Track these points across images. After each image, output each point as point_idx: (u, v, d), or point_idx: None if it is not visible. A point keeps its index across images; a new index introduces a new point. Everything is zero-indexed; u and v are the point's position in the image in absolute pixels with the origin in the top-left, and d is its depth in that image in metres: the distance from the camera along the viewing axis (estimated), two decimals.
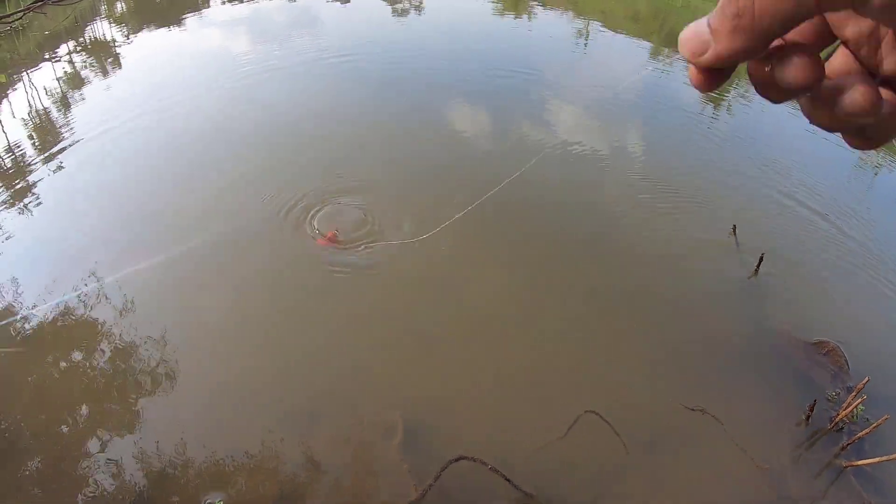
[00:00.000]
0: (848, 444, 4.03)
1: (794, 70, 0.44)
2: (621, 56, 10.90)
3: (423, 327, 4.32)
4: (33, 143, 6.71)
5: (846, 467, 3.94)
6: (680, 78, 9.08)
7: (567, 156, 6.56)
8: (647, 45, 11.72)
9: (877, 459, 3.82)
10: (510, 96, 8.07)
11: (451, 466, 3.19)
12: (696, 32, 0.45)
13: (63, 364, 3.95)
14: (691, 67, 0.48)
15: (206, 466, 3.29)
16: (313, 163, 6.09)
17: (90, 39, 10.49)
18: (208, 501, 3.08)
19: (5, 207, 5.42)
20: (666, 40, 11.76)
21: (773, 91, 0.46)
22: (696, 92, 8.45)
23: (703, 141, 7.39)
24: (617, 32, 12.12)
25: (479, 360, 4.12)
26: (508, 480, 3.11)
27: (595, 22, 12.48)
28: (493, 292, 4.71)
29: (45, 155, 6.29)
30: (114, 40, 10.44)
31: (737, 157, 7.05)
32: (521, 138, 7.07)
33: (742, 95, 8.95)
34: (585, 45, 11.22)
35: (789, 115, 7.96)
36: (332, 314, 4.36)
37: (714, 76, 0.48)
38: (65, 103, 7.85)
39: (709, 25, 0.44)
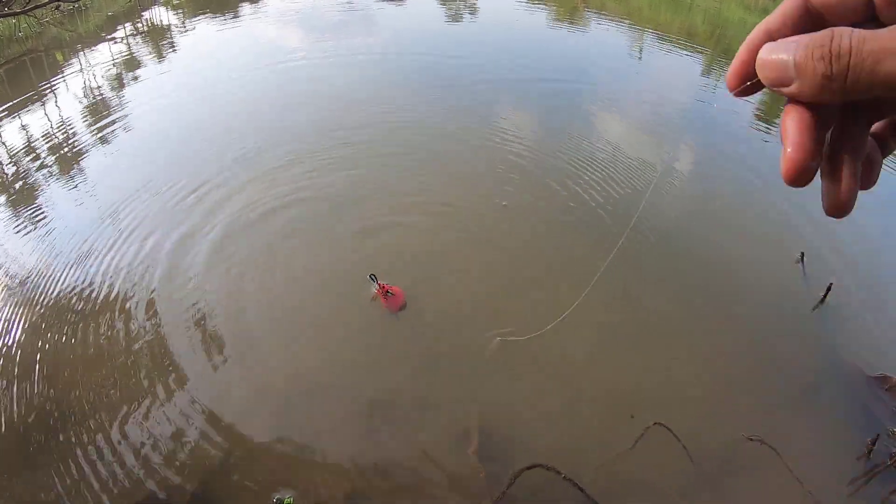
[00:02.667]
0: None
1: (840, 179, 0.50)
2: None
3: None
4: (84, 119, 7.08)
5: None
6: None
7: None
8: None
9: None
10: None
11: (523, 475, 3.36)
12: (780, 64, 0.46)
13: (129, 344, 4.22)
14: (735, 76, 0.52)
15: (276, 462, 3.46)
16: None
17: (147, 23, 10.95)
18: (278, 497, 3.24)
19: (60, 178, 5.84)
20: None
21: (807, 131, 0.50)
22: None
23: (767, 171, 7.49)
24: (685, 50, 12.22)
25: (549, 367, 4.31)
26: (581, 489, 3.28)
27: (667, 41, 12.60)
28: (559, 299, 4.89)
29: (95, 129, 6.70)
30: (170, 25, 10.86)
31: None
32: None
33: None
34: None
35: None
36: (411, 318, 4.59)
37: (755, 89, 0.51)
38: (118, 82, 8.24)
39: (794, 61, 0.45)
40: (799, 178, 0.49)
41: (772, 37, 0.49)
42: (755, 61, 0.49)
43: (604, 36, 12.60)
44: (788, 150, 0.49)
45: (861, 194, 0.52)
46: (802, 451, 4.09)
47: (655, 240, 5.56)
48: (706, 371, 4.43)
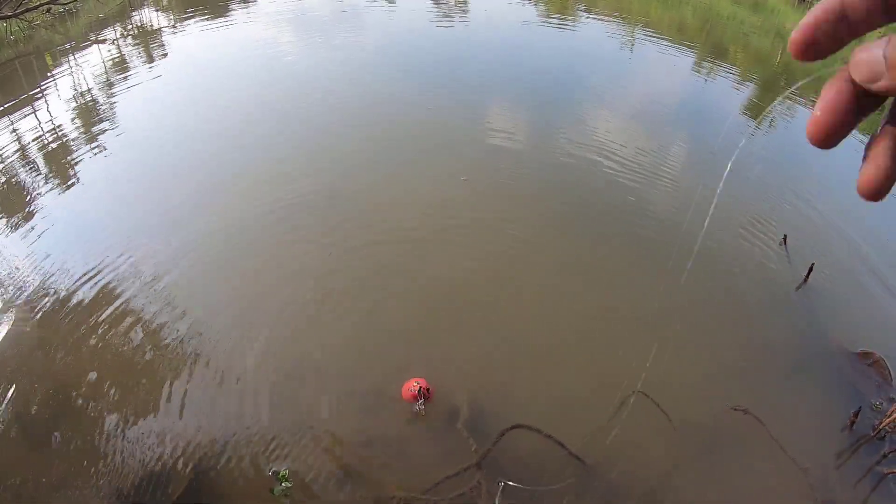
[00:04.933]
0: (890, 452, 4.35)
1: None
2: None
3: (487, 312, 4.77)
4: (74, 123, 7.28)
5: (887, 474, 4.26)
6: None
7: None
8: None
9: None
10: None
11: (504, 439, 3.59)
12: (871, 61, 0.50)
13: (134, 323, 4.42)
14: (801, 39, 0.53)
15: (272, 438, 3.66)
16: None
17: (136, 25, 11.18)
18: (274, 470, 3.43)
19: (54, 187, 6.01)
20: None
21: None
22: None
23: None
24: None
25: (535, 341, 4.56)
26: (561, 445, 3.52)
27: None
28: (547, 272, 5.14)
29: (86, 135, 6.90)
30: (159, 27, 11.11)
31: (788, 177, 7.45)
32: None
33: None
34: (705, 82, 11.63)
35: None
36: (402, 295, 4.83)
37: (859, 111, 0.53)
38: (107, 85, 8.45)
39: (884, 57, 0.49)
40: (820, 141, 0.53)
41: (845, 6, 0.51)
42: (820, 27, 0.52)
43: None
44: (818, 112, 0.53)
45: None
46: (787, 423, 4.32)
47: (645, 223, 5.85)
48: (691, 347, 4.67)
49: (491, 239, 5.54)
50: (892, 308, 5.34)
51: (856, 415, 4.48)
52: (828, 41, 0.52)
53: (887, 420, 4.42)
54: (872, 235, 6.19)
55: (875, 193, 0.52)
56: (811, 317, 5.08)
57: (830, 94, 0.53)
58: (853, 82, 0.51)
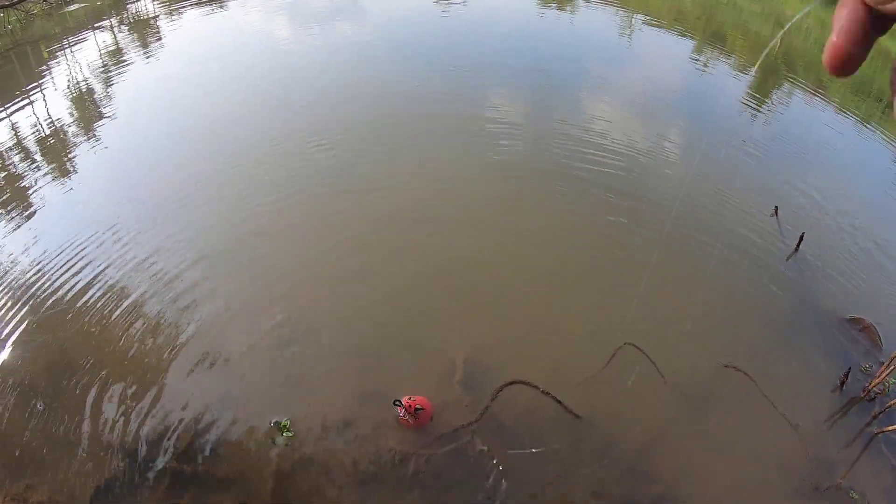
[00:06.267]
0: (880, 413, 4.50)
1: None
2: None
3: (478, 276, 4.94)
4: (71, 114, 7.40)
5: (877, 434, 4.40)
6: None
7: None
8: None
9: None
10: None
11: (502, 396, 3.75)
12: None
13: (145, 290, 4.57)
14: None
15: (276, 393, 3.82)
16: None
17: (132, 15, 11.33)
18: (276, 420, 3.60)
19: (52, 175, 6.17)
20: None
21: None
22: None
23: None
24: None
25: (530, 301, 4.72)
26: (559, 402, 3.66)
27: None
28: (544, 239, 5.30)
29: (84, 125, 7.04)
30: (154, 16, 11.25)
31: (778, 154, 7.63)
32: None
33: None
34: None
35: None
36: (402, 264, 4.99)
37: (862, 47, 0.52)
38: (105, 75, 8.59)
39: None
40: (839, 65, 0.52)
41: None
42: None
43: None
44: (834, 38, 0.51)
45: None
46: (778, 382, 4.48)
47: (638, 193, 6.04)
48: (684, 310, 4.83)
49: (486, 207, 5.70)
50: (881, 277, 5.51)
51: (846, 375, 4.63)
52: (861, 48, 0.52)
53: (876, 381, 4.57)
54: (862, 207, 6.37)
55: (839, 65, 0.53)
56: (802, 284, 5.24)
57: (844, 18, 0.52)
58: (864, 3, 0.51)
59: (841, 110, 9.61)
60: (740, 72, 10.67)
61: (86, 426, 3.58)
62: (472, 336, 4.31)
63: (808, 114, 9.48)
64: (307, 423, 3.60)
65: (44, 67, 8.93)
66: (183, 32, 10.61)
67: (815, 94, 10.00)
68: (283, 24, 10.92)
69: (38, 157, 6.40)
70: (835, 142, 8.21)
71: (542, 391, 3.77)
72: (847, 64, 0.53)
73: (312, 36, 10.23)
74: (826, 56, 0.52)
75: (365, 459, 3.46)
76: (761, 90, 10.06)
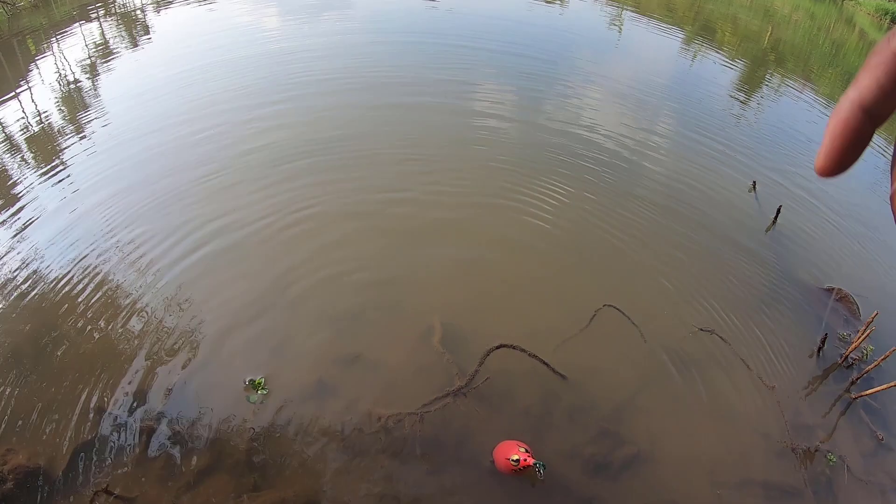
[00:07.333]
0: (858, 378, 4.57)
1: None
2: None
3: (456, 244, 5.01)
4: (59, 108, 7.45)
5: (855, 398, 4.47)
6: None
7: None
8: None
9: (885, 386, 4.32)
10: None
11: (489, 359, 3.80)
12: None
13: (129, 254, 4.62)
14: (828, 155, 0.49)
15: (252, 353, 3.88)
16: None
17: (119, 7, 11.43)
18: (250, 378, 3.65)
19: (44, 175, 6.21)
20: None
21: None
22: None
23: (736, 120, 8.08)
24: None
25: (509, 265, 4.81)
26: (545, 363, 3.72)
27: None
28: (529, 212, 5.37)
29: (73, 123, 7.08)
30: (142, 8, 11.36)
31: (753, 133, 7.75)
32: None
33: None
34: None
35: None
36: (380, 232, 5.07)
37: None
38: (91, 69, 8.65)
39: None
40: (833, 174, 0.50)
41: (866, 109, 0.47)
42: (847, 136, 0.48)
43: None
44: (827, 152, 0.48)
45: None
46: (754, 347, 4.55)
47: (625, 166, 6.13)
48: (664, 278, 4.91)
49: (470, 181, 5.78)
50: (859, 248, 5.61)
51: (822, 342, 4.71)
52: (858, 153, 0.49)
53: (855, 343, 4.64)
54: (840, 182, 6.48)
55: (834, 174, 0.50)
56: (780, 255, 5.33)
57: (839, 133, 0.48)
58: (861, 109, 0.47)
59: (822, 95, 9.77)
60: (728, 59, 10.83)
61: (64, 390, 3.62)
62: (451, 300, 4.37)
63: (788, 99, 9.65)
64: (283, 382, 3.66)
65: (30, 61, 8.99)
66: (171, 24, 10.69)
67: (794, 82, 10.14)
68: (272, 14, 11.01)
69: (24, 148, 6.45)
70: (812, 123, 8.36)
71: (530, 354, 3.83)
72: (842, 171, 0.50)
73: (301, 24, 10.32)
74: (819, 165, 0.50)
75: (340, 421, 3.51)
76: (749, 79, 10.20)
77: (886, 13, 19.51)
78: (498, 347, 3.84)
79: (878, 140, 8.57)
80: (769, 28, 15.34)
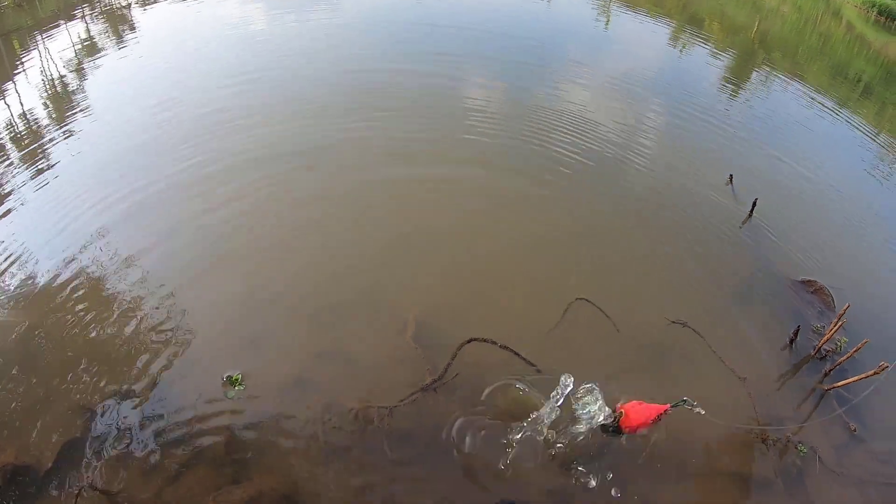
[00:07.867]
0: (831, 370, 4.64)
1: None
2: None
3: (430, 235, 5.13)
4: (46, 108, 7.45)
5: (828, 389, 4.55)
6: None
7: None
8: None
9: (857, 378, 4.39)
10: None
11: (461, 354, 3.88)
12: None
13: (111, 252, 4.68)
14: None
15: (230, 350, 3.95)
16: None
17: (104, 5, 11.39)
18: (228, 375, 3.71)
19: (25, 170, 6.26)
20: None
21: None
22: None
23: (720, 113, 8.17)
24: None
25: (480, 258, 4.90)
26: (517, 354, 3.80)
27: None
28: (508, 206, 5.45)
29: (58, 119, 7.10)
30: (128, 5, 11.33)
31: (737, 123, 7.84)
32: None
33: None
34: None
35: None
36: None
37: None
38: (77, 67, 8.64)
39: None
40: None
41: None
42: None
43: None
44: None
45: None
46: (727, 340, 4.62)
47: (601, 160, 6.22)
48: (639, 270, 5.00)
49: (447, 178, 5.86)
50: (836, 241, 5.72)
51: (795, 333, 4.79)
52: None
53: (829, 334, 4.71)
54: (816, 173, 6.59)
55: None
56: (755, 248, 5.43)
57: None
58: None
59: (807, 87, 9.86)
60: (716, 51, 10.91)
61: (50, 389, 3.69)
62: (429, 295, 4.46)
63: (771, 92, 9.75)
64: (259, 377, 3.74)
65: (16, 60, 8.98)
66: (156, 21, 10.68)
67: (779, 75, 10.24)
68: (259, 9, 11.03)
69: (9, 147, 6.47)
70: (793, 118, 8.47)
71: (500, 346, 3.91)
72: None
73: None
74: None
75: (316, 414, 3.60)
76: (735, 72, 10.29)
77: (873, 5, 19.59)
78: (469, 342, 3.91)
79: (859, 131, 8.68)
80: (756, 20, 15.43)
